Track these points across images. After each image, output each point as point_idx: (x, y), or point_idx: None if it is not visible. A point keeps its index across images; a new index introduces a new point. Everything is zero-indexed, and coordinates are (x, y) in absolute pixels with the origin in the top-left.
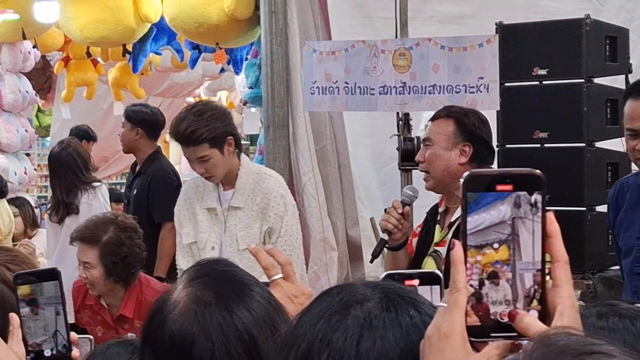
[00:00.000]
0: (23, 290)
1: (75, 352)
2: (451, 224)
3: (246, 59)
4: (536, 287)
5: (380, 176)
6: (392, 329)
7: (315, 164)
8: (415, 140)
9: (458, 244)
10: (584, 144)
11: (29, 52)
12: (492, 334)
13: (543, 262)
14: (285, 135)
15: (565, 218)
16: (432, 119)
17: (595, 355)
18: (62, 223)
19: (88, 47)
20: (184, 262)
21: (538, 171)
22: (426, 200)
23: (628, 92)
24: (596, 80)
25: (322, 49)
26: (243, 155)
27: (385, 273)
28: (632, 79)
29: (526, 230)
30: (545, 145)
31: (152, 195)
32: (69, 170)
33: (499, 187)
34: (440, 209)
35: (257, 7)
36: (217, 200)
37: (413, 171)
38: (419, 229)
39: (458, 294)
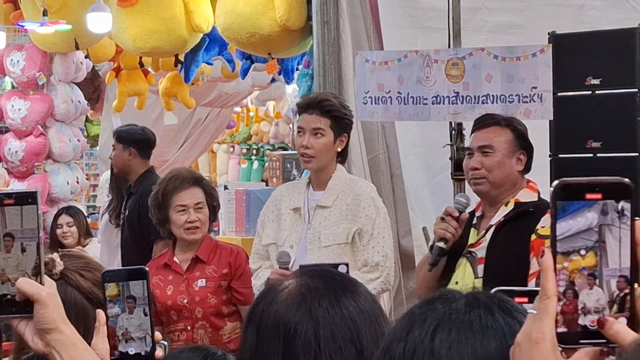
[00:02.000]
0: (110, 290)
1: (158, 352)
2: (490, 227)
3: (297, 69)
4: (622, 293)
5: (432, 186)
6: (471, 325)
7: (368, 174)
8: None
9: (548, 251)
10: (637, 154)
11: (81, 63)
12: (581, 341)
13: (633, 269)
14: None
15: None
16: (482, 127)
17: None
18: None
19: (140, 58)
20: (255, 267)
21: (627, 180)
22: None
23: None
24: None
25: (375, 59)
26: (339, 165)
27: (496, 289)
28: None
29: (613, 237)
30: (598, 154)
31: (143, 214)
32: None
33: (588, 196)
34: (477, 214)
35: (309, 17)
36: (305, 200)
37: (466, 180)
38: None
39: (548, 301)
